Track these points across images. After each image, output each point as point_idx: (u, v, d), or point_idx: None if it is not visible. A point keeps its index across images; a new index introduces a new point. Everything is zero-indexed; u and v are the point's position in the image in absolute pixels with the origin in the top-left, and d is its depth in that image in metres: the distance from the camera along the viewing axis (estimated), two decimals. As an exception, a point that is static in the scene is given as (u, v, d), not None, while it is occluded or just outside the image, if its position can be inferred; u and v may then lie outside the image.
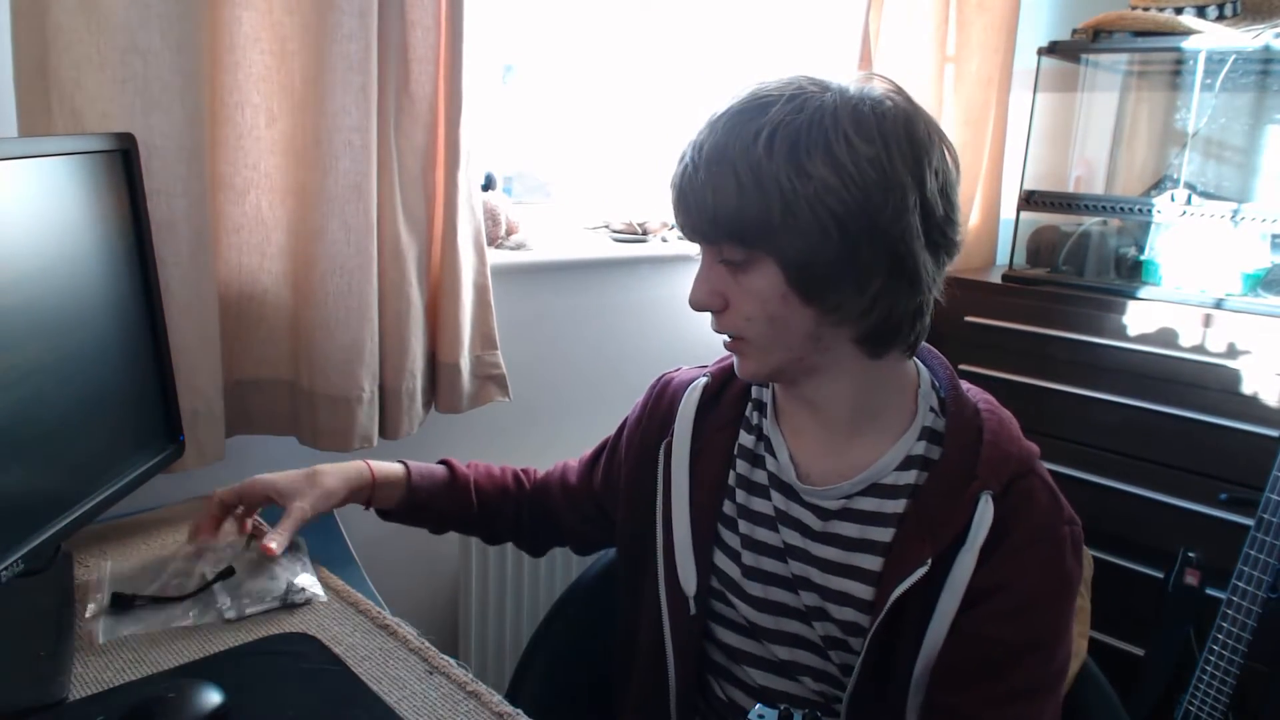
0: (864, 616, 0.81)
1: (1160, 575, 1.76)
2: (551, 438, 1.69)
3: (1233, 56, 1.87)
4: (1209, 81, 1.92)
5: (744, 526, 0.87)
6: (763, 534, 0.86)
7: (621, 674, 0.98)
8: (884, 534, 0.81)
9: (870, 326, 0.78)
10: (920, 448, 0.82)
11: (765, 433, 0.88)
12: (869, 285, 0.75)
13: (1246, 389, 1.72)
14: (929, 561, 0.76)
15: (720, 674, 0.92)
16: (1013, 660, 0.76)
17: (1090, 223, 2.12)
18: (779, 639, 0.86)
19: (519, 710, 0.77)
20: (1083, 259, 2.13)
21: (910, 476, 0.81)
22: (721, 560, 0.89)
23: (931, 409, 0.84)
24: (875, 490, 0.82)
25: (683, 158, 0.77)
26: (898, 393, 0.84)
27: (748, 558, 0.86)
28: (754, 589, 0.86)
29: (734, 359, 0.85)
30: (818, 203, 0.72)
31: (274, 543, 0.91)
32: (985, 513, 0.76)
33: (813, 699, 0.86)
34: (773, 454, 0.87)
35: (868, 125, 0.73)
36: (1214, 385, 1.76)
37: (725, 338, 0.83)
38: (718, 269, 0.79)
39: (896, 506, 0.81)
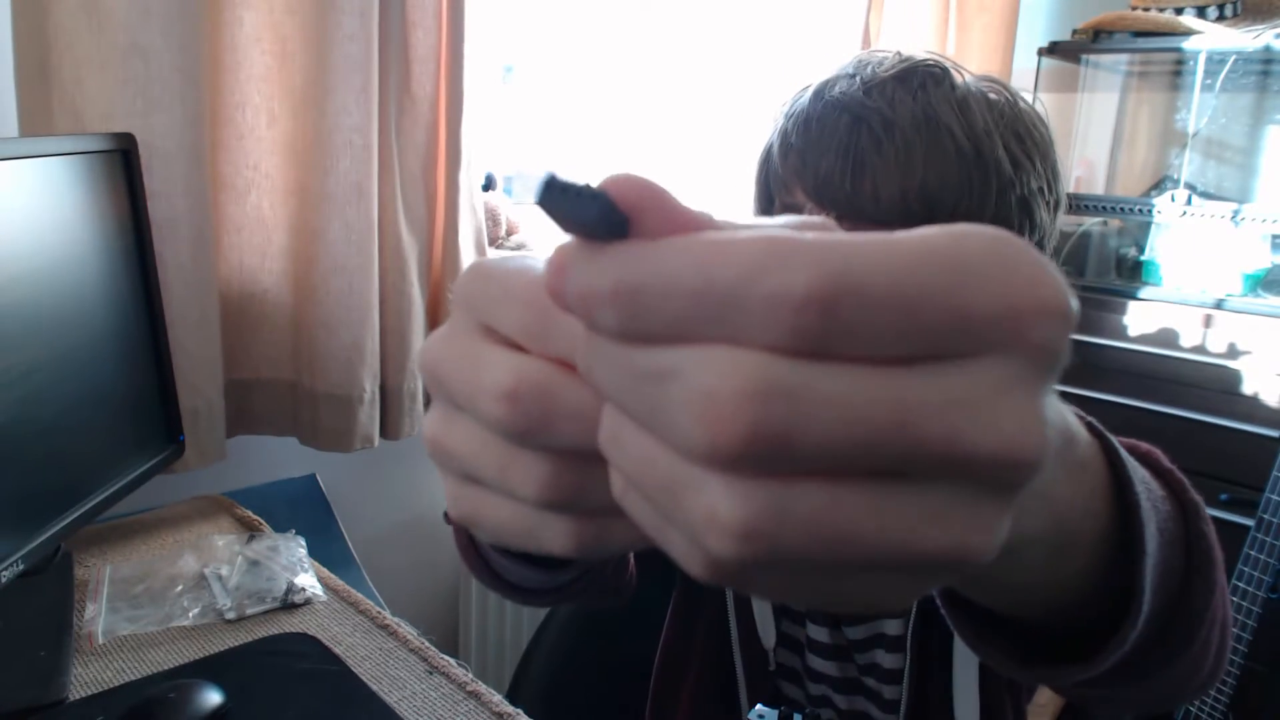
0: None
1: (1160, 575, 1.76)
2: (552, 438, 1.68)
3: (1233, 57, 1.87)
4: (1209, 82, 1.92)
5: None
6: None
7: (667, 688, 0.90)
8: None
9: None
10: None
11: None
12: None
13: (1246, 389, 1.72)
14: None
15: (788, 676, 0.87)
16: None
17: (1090, 223, 2.12)
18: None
19: (519, 710, 0.77)
20: (1083, 259, 2.13)
21: None
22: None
23: None
24: None
25: (834, 119, 0.62)
26: None
27: None
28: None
29: None
30: (1023, 200, 0.63)
31: None
32: None
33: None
34: None
35: (1043, 127, 0.65)
36: (1214, 385, 1.76)
37: None
38: None
39: None
